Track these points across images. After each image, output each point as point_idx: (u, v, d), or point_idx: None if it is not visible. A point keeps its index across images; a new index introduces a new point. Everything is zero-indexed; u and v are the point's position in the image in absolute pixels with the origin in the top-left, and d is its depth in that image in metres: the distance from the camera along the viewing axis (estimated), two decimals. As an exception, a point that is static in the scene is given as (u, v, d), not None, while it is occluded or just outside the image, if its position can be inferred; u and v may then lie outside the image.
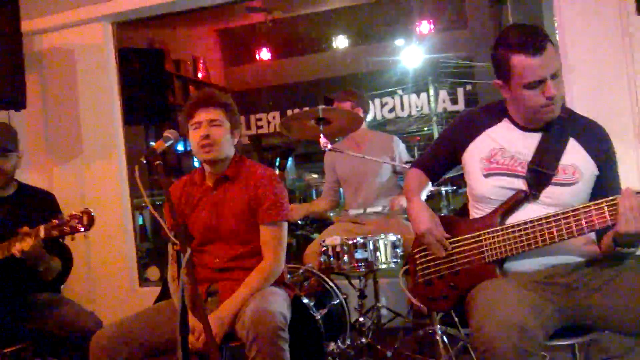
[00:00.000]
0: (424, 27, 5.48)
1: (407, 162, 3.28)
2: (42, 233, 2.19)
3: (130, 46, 4.65)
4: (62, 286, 2.71)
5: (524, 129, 1.93)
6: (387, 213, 3.35)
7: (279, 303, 2.08)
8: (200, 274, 2.19)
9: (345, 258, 2.83)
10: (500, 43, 1.84)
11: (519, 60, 1.77)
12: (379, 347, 2.94)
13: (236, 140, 2.31)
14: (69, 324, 2.36)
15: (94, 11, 4.16)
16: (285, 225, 2.28)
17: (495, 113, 2.00)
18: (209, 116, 2.20)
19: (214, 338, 1.86)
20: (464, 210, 2.11)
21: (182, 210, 2.27)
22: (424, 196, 2.17)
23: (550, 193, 1.85)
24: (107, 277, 4.19)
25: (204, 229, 2.24)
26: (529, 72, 1.77)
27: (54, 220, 2.18)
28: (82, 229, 2.12)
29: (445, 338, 2.74)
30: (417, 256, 2.10)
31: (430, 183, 2.21)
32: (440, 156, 2.16)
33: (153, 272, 4.43)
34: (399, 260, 2.93)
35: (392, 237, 2.89)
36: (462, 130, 2.05)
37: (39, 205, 2.61)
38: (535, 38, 1.75)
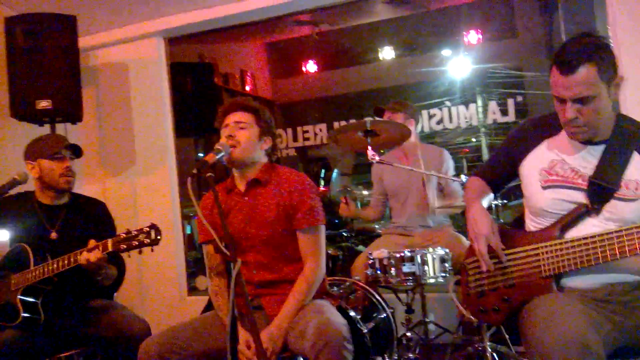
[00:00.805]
0: (472, 37, 5.40)
1: (454, 176, 3.24)
2: (110, 246, 2.24)
3: (181, 60, 4.77)
4: (115, 294, 2.79)
5: (585, 140, 1.87)
6: (434, 227, 3.31)
7: (338, 315, 2.07)
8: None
9: (393, 271, 2.80)
10: (554, 52, 1.82)
11: (553, 72, 1.77)
12: (426, 362, 2.89)
13: (265, 147, 2.30)
14: (119, 328, 2.43)
15: (147, 27, 4.30)
16: (323, 229, 2.26)
17: (556, 123, 1.93)
18: (236, 118, 2.24)
19: (265, 350, 1.86)
20: (518, 223, 2.06)
21: (216, 220, 2.22)
22: (485, 203, 2.11)
23: (611, 208, 1.79)
24: (157, 286, 4.29)
25: (237, 237, 2.22)
26: (555, 87, 1.77)
27: (121, 234, 2.23)
28: (150, 244, 2.16)
29: (495, 355, 2.67)
30: (470, 266, 2.05)
31: (491, 194, 2.16)
32: (500, 166, 2.12)
33: (201, 282, 4.50)
34: (447, 275, 2.88)
35: (440, 251, 2.85)
36: (521, 140, 2.01)
37: (91, 213, 2.71)
38: (571, 57, 1.71)
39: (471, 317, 2.04)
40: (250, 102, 2.31)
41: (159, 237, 2.16)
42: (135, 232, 2.18)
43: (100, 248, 2.26)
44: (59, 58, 3.52)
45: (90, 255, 2.26)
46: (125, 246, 2.20)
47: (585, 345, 1.51)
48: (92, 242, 2.29)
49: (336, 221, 4.71)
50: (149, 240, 2.15)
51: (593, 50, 1.72)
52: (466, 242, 3.11)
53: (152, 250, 2.19)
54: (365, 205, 3.79)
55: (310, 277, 2.17)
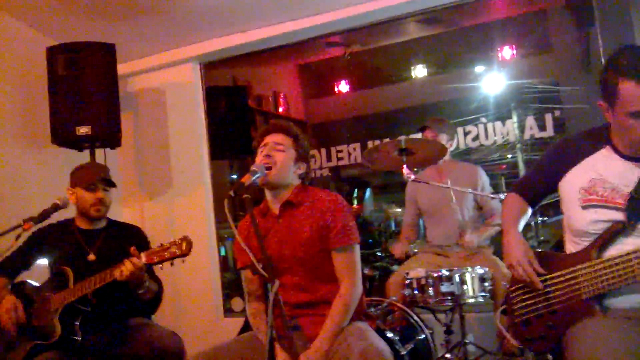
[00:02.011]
0: (506, 52, 5.36)
1: (493, 194, 3.18)
2: (144, 259, 2.29)
3: (215, 84, 4.85)
4: (153, 315, 2.81)
5: (628, 158, 1.82)
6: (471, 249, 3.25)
7: (381, 340, 2.04)
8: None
9: (431, 291, 2.76)
10: (610, 64, 1.75)
11: (626, 86, 1.68)
12: (467, 385, 2.81)
13: (299, 172, 2.30)
14: (152, 344, 2.44)
15: (183, 53, 4.40)
16: (358, 248, 2.24)
17: (597, 139, 1.89)
18: (275, 139, 2.25)
19: None
20: (559, 245, 2.01)
21: (253, 243, 2.18)
22: (522, 225, 2.09)
23: None
24: (193, 308, 4.31)
25: (273, 259, 2.18)
26: (635, 100, 1.67)
27: (155, 247, 2.28)
28: (181, 255, 2.19)
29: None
30: (514, 294, 2.01)
31: (530, 209, 2.12)
32: (539, 181, 2.08)
33: (237, 303, 4.51)
34: (487, 295, 2.82)
35: (479, 270, 2.79)
36: (561, 157, 1.97)
37: (128, 237, 2.76)
38: None
39: (520, 345, 2.00)
40: (291, 127, 2.33)
41: (190, 248, 2.19)
42: (168, 244, 2.23)
43: (135, 260, 2.30)
44: (98, 85, 3.61)
45: (123, 268, 2.30)
46: (157, 258, 2.25)
47: None
48: (132, 250, 2.34)
49: (370, 241, 4.68)
50: (180, 252, 2.19)
51: None
52: (503, 266, 3.05)
53: (183, 261, 2.22)
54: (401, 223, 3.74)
55: (346, 297, 2.15)
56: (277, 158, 2.21)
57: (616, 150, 1.85)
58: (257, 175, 2.07)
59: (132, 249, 2.35)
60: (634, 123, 1.71)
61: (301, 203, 2.25)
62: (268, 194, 2.31)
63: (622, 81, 1.69)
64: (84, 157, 3.70)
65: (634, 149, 1.80)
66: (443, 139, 3.39)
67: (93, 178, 2.68)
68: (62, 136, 3.59)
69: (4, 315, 2.47)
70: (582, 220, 1.85)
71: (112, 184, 2.73)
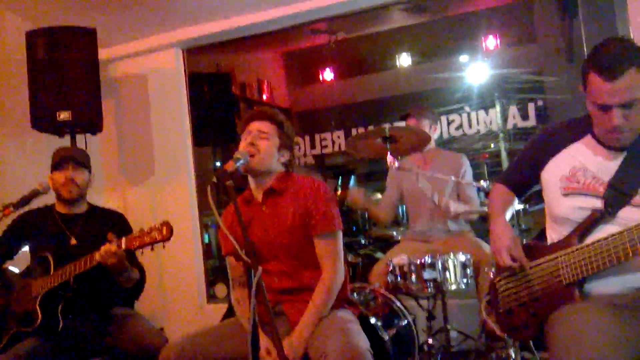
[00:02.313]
0: (490, 42, 5.36)
1: (473, 183, 3.21)
2: (123, 244, 2.28)
3: (198, 71, 4.81)
4: (136, 302, 2.80)
5: (608, 147, 1.84)
6: (454, 232, 3.28)
7: (362, 336, 2.04)
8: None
9: (413, 278, 2.78)
10: (589, 55, 1.77)
11: (593, 79, 1.72)
12: (449, 370, 2.85)
13: (282, 160, 2.30)
14: (137, 341, 2.44)
15: (165, 39, 4.35)
16: (340, 234, 2.26)
17: (579, 129, 1.92)
18: (260, 127, 2.25)
19: (286, 357, 1.85)
20: (542, 235, 2.03)
21: (238, 230, 2.24)
22: (509, 214, 2.11)
23: (626, 214, 1.76)
24: (177, 294, 4.31)
25: (258, 246, 2.19)
26: (597, 93, 1.72)
27: (134, 232, 2.26)
28: (162, 240, 2.18)
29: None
30: (498, 285, 2.03)
31: (516, 199, 2.15)
32: (523, 171, 2.10)
33: (220, 290, 4.51)
34: (469, 281, 2.85)
35: (461, 257, 2.82)
36: (543, 146, 1.99)
37: (109, 223, 2.74)
38: (614, 61, 1.67)
39: (504, 336, 2.02)
40: (276, 114, 2.32)
41: (170, 233, 2.19)
42: (148, 230, 2.22)
43: (114, 245, 2.29)
44: (79, 70, 3.56)
45: (103, 251, 2.29)
46: (138, 243, 2.24)
47: None
48: (109, 236, 2.33)
49: (353, 228, 4.69)
50: (160, 237, 2.19)
51: (633, 53, 1.68)
52: (486, 247, 3.08)
53: (163, 246, 2.21)
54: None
55: (328, 283, 2.16)
56: (260, 146, 2.21)
57: (597, 139, 1.87)
58: (241, 162, 2.06)
59: (109, 234, 2.33)
60: (597, 113, 1.76)
61: (284, 190, 2.25)
62: (251, 182, 2.31)
63: (591, 73, 1.72)
64: (64, 143, 3.65)
65: (603, 138, 1.83)
66: (426, 124, 3.41)
67: (59, 155, 2.65)
68: (43, 122, 3.54)
69: None
70: (563, 208, 1.87)
71: (80, 163, 2.68)
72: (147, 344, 2.40)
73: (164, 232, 2.19)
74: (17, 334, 2.42)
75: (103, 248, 2.30)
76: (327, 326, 2.07)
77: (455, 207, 3.20)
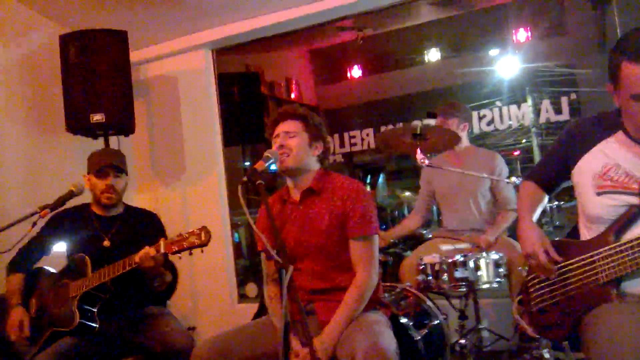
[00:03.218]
0: (521, 35, 5.26)
1: (507, 180, 3.15)
2: (162, 248, 2.30)
3: (228, 71, 4.84)
4: (168, 301, 2.84)
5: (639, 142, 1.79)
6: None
7: (390, 337, 2.03)
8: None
9: (445, 277, 2.75)
10: (616, 46, 1.72)
11: (629, 68, 1.66)
12: (482, 370, 2.82)
13: (317, 152, 2.30)
14: (163, 340, 2.47)
15: (195, 40, 4.39)
16: (376, 238, 2.24)
17: (609, 124, 1.87)
18: (285, 128, 2.25)
19: (317, 355, 1.85)
20: (574, 232, 1.99)
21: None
22: (537, 213, 2.07)
23: None
24: (208, 294, 4.35)
25: (294, 245, 2.22)
26: (637, 82, 1.65)
27: (174, 237, 2.28)
28: (200, 245, 2.20)
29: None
30: (530, 284, 2.00)
31: (546, 196, 2.11)
32: (553, 168, 2.05)
33: (251, 289, 4.54)
34: (502, 280, 2.81)
35: (494, 256, 2.78)
36: (573, 142, 1.94)
37: (144, 224, 2.78)
38: None
39: (537, 335, 1.98)
40: (298, 110, 2.31)
41: (209, 239, 2.20)
42: (187, 234, 2.23)
43: (153, 249, 2.31)
44: (111, 72, 3.62)
45: (142, 253, 2.32)
46: (176, 248, 2.25)
47: None
48: (146, 248, 2.34)
49: (383, 227, 4.67)
50: (199, 242, 2.19)
51: None
52: (519, 247, 3.02)
53: (202, 251, 2.22)
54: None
55: (361, 286, 2.14)
56: (290, 145, 2.21)
57: (628, 135, 1.82)
58: (271, 160, 2.07)
59: (147, 248, 2.35)
60: (635, 105, 1.69)
61: (322, 190, 2.25)
62: (289, 181, 2.32)
63: (625, 63, 1.66)
64: (98, 144, 3.72)
65: (638, 132, 1.78)
66: (453, 123, 3.34)
67: (101, 164, 2.67)
68: (76, 124, 3.61)
69: (10, 330, 2.50)
70: (597, 207, 1.83)
71: (122, 170, 2.72)
72: (173, 344, 2.43)
73: (203, 237, 2.19)
74: (55, 334, 2.47)
75: (142, 251, 2.32)
76: (356, 327, 2.06)
77: (494, 236, 3.12)
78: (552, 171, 2.06)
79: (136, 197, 4.47)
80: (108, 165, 2.67)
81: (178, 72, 4.50)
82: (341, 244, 2.19)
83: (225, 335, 2.19)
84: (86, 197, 2.79)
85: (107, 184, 2.67)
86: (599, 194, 1.82)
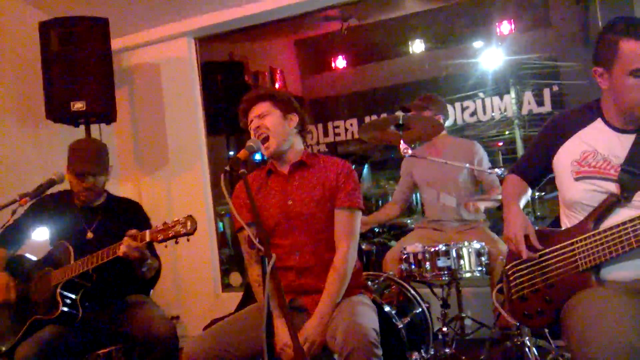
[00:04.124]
0: (505, 27, 5.28)
1: (489, 169, 3.17)
2: (147, 237, 2.29)
3: (211, 60, 4.80)
4: (152, 290, 2.82)
5: (618, 129, 1.83)
6: (469, 221, 3.26)
7: (369, 316, 2.06)
8: (282, 279, 2.14)
9: (427, 266, 2.78)
10: (608, 29, 1.76)
11: (628, 45, 1.70)
12: (463, 358, 2.85)
13: (293, 123, 2.31)
14: (145, 327, 2.45)
15: (178, 28, 4.35)
16: (359, 215, 2.28)
17: (588, 113, 1.91)
18: (256, 112, 2.28)
19: (302, 348, 1.85)
20: (556, 222, 2.01)
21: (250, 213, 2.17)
22: (522, 203, 2.09)
23: None
24: (192, 283, 4.34)
25: (279, 216, 2.23)
26: (637, 57, 1.69)
27: (158, 225, 2.27)
28: (186, 234, 2.19)
29: (535, 350, 2.61)
30: (510, 272, 2.02)
31: (530, 190, 2.14)
32: (535, 160, 2.08)
33: (235, 278, 4.54)
34: (484, 269, 2.83)
35: (476, 245, 2.81)
36: (553, 133, 1.98)
37: (128, 214, 2.75)
38: None
39: (517, 324, 2.00)
40: (261, 91, 2.34)
41: (195, 227, 2.19)
42: (172, 223, 2.22)
43: (139, 239, 2.30)
44: (92, 60, 3.58)
45: (125, 245, 2.30)
46: (162, 236, 2.23)
47: (630, 346, 1.46)
48: (132, 231, 2.33)
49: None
50: (185, 230, 2.18)
51: None
52: (500, 242, 3.06)
53: (188, 240, 2.20)
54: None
55: (342, 265, 2.16)
56: (266, 124, 2.24)
57: (606, 122, 1.86)
58: (254, 150, 2.07)
59: (135, 231, 2.33)
60: (633, 82, 1.72)
61: (313, 165, 2.29)
62: (275, 162, 2.34)
63: (624, 40, 1.70)
64: (79, 132, 3.68)
65: (626, 116, 1.80)
66: (427, 116, 3.35)
67: (82, 169, 2.62)
68: (57, 112, 3.57)
69: None
70: (575, 192, 1.86)
71: (104, 171, 2.68)
72: (155, 331, 2.41)
73: (189, 226, 2.18)
74: (36, 322, 2.45)
75: (125, 243, 2.30)
76: (339, 310, 2.08)
77: (484, 205, 3.18)
78: (535, 164, 2.09)
79: (119, 187, 4.43)
80: (86, 172, 2.62)
81: (161, 60, 4.45)
82: (330, 218, 2.23)
83: (217, 332, 2.16)
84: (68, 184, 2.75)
85: (84, 186, 2.64)
86: (577, 179, 1.85)
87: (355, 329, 1.92)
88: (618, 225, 1.71)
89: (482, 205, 3.17)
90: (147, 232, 2.29)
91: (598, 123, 1.88)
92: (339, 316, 2.04)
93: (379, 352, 1.93)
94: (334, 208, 2.23)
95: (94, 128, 3.78)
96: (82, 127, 3.71)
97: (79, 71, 3.54)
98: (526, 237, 1.92)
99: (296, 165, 2.29)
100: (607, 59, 1.76)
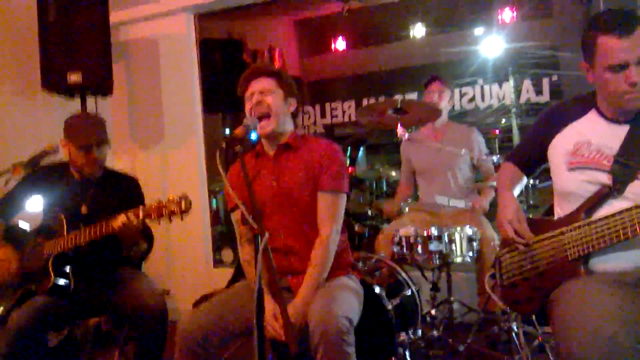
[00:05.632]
0: (506, 15, 5.27)
1: (486, 155, 3.19)
2: (141, 214, 2.28)
3: (210, 37, 4.76)
4: (143, 264, 2.83)
5: (612, 120, 1.84)
6: (468, 208, 3.27)
7: (347, 302, 2.04)
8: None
9: (419, 249, 2.80)
10: (590, 24, 1.77)
11: (604, 40, 1.71)
12: (450, 340, 2.88)
13: (292, 109, 2.31)
14: (136, 299, 2.45)
15: (177, 3, 4.31)
16: (344, 198, 2.26)
17: (583, 105, 1.92)
18: (259, 87, 2.24)
19: (293, 325, 1.87)
20: (550, 212, 2.03)
21: (244, 192, 2.15)
22: (517, 191, 2.12)
23: (635, 189, 1.75)
24: (184, 259, 4.36)
25: (264, 198, 2.22)
26: (612, 53, 1.70)
27: (152, 204, 2.27)
28: (180, 213, 2.19)
29: (522, 336, 2.65)
30: (502, 257, 2.04)
31: (525, 178, 2.15)
32: (530, 150, 2.10)
33: (227, 254, 4.55)
34: (475, 255, 2.86)
35: (468, 230, 2.82)
36: (548, 123, 1.99)
37: (123, 189, 2.73)
38: (625, 19, 1.68)
39: (507, 308, 2.03)
40: (271, 67, 2.32)
41: (189, 207, 2.19)
42: (166, 202, 2.22)
43: (132, 215, 2.29)
44: (90, 32, 3.55)
45: (122, 222, 2.29)
46: (155, 214, 2.23)
47: (616, 342, 1.48)
48: (124, 215, 2.32)
49: (360, 199, 4.69)
50: (179, 210, 2.18)
51: (637, 14, 1.71)
52: (489, 227, 3.08)
53: (181, 219, 2.20)
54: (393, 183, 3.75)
55: (325, 241, 2.16)
56: (268, 101, 2.22)
57: (601, 114, 1.87)
58: (250, 128, 2.06)
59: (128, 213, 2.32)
60: (611, 77, 1.74)
61: (299, 147, 2.27)
62: (264, 140, 2.33)
63: (600, 36, 1.72)
64: (74, 105, 3.66)
65: (615, 108, 1.82)
66: (447, 95, 3.40)
67: (88, 141, 2.58)
68: (53, 83, 3.55)
69: None
70: (568, 182, 1.87)
71: (101, 142, 2.64)
72: (144, 303, 2.42)
73: (183, 205, 2.18)
74: (27, 292, 2.45)
75: (120, 220, 2.30)
76: (318, 295, 2.07)
77: (487, 201, 3.20)
78: (530, 153, 2.10)
79: (113, 161, 4.41)
80: (90, 144, 2.58)
81: (159, 35, 4.41)
82: (314, 199, 2.21)
83: (210, 309, 2.17)
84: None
85: (92, 158, 2.59)
86: (570, 169, 1.86)
87: (326, 317, 1.92)
88: (609, 217, 1.71)
89: (486, 204, 3.18)
90: (141, 209, 2.29)
91: (592, 114, 1.89)
92: (317, 301, 2.03)
93: (350, 338, 1.92)
94: (316, 190, 2.21)
95: (90, 101, 3.74)
96: (78, 99, 3.69)
97: (76, 43, 3.51)
98: (518, 224, 1.94)
99: (282, 147, 2.27)
100: (589, 55, 1.79)
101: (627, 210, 1.68)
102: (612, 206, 1.76)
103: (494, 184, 3.16)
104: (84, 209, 2.62)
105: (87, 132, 2.62)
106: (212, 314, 2.14)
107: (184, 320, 2.13)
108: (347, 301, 2.05)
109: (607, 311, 1.55)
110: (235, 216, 2.31)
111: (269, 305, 2.06)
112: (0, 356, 2.29)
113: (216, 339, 2.10)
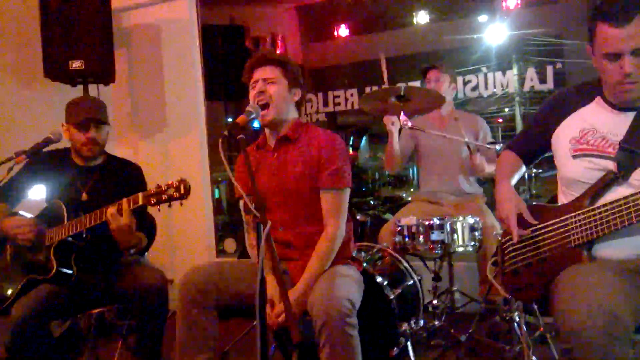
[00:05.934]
0: (511, 2, 5.22)
1: (489, 144, 3.16)
2: (140, 200, 2.27)
3: (212, 23, 4.73)
4: (146, 254, 2.83)
5: (617, 107, 1.84)
6: (466, 194, 3.25)
7: (347, 286, 2.06)
8: None
9: (421, 239, 2.79)
10: (592, 11, 1.77)
11: (602, 28, 1.72)
12: (452, 330, 2.89)
13: (296, 99, 2.30)
14: (138, 280, 2.46)
15: (179, -12, 4.26)
16: (348, 192, 2.25)
17: (588, 92, 1.91)
18: (264, 75, 2.22)
19: (294, 314, 1.88)
20: (554, 201, 2.02)
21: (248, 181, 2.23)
22: (514, 180, 2.10)
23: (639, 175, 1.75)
24: (186, 248, 4.36)
25: (265, 192, 2.22)
26: (607, 42, 1.71)
27: (151, 189, 2.26)
28: (179, 198, 2.18)
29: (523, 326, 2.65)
30: (505, 245, 2.04)
31: (524, 167, 2.14)
32: (533, 138, 2.09)
33: (229, 244, 4.57)
34: (476, 244, 2.86)
35: (470, 220, 2.82)
36: (552, 111, 1.98)
37: (125, 175, 2.73)
38: (623, 8, 1.67)
39: (509, 296, 2.03)
40: (277, 55, 2.31)
41: (188, 191, 2.17)
42: (165, 187, 2.20)
43: (131, 202, 2.29)
44: (91, 19, 3.53)
45: (110, 213, 2.29)
46: (155, 200, 2.22)
47: (616, 315, 1.48)
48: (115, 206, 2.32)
49: (363, 189, 4.69)
50: (178, 194, 2.16)
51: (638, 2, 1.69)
52: (490, 216, 3.07)
53: (181, 204, 2.19)
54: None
55: (331, 238, 2.17)
56: (270, 92, 2.20)
57: (606, 101, 1.86)
58: (253, 116, 2.05)
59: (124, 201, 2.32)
60: (607, 65, 1.74)
61: (298, 139, 2.26)
62: (267, 130, 2.32)
63: (599, 24, 1.72)
64: (76, 92, 3.64)
65: (612, 94, 1.82)
66: (446, 80, 3.36)
67: (82, 116, 2.58)
68: (55, 70, 3.53)
69: (17, 230, 2.44)
70: (573, 169, 1.87)
71: (103, 122, 2.66)
72: (144, 281, 2.43)
73: (182, 190, 2.16)
74: (30, 281, 2.46)
75: (109, 210, 2.29)
76: (322, 280, 2.09)
77: (490, 168, 3.13)
78: (532, 141, 2.09)
79: (115, 149, 4.40)
80: (89, 118, 2.59)
81: (161, 21, 4.38)
82: (311, 194, 2.20)
83: (218, 265, 2.23)
84: (65, 142, 2.73)
85: (88, 137, 2.59)
86: (575, 156, 1.86)
87: (328, 301, 1.93)
88: (613, 202, 1.71)
89: (487, 169, 3.12)
90: (140, 195, 2.28)
91: (598, 101, 1.88)
92: (317, 287, 2.05)
93: (353, 320, 1.95)
94: (316, 184, 2.20)
95: (92, 88, 3.73)
96: (80, 87, 3.67)
97: (77, 30, 3.48)
98: (520, 214, 1.93)
99: (281, 140, 2.26)
100: (591, 41, 1.79)
101: (632, 195, 1.67)
102: (617, 193, 1.76)
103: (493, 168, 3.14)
104: (84, 196, 2.61)
105: (83, 109, 2.62)
106: (213, 268, 2.20)
107: (186, 272, 2.18)
108: (347, 286, 2.07)
109: (609, 287, 1.56)
110: (242, 204, 2.31)
111: (271, 286, 2.05)
112: (4, 345, 2.30)
113: (214, 291, 2.13)
